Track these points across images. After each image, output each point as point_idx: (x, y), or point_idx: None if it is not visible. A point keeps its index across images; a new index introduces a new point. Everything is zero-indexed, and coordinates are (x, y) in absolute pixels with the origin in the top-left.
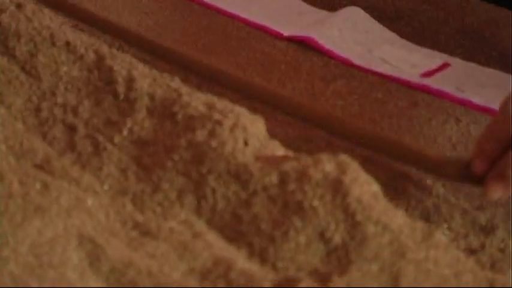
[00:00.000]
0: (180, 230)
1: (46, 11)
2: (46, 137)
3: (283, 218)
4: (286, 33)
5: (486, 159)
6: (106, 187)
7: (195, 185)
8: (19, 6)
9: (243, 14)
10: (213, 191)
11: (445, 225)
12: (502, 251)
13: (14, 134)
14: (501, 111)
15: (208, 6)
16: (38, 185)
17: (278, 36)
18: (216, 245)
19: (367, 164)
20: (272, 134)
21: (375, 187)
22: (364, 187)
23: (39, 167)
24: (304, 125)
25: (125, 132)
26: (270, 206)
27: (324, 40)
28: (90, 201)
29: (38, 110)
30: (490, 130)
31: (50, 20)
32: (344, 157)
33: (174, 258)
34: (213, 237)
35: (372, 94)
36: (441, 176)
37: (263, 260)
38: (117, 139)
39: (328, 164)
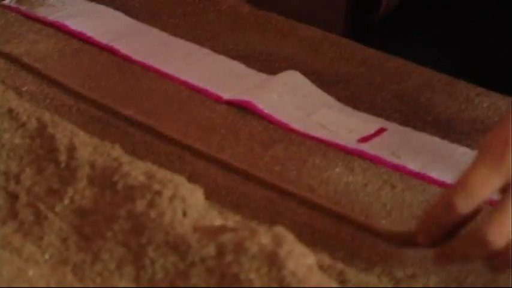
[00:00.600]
0: None
1: None
2: None
3: None
4: (225, 97)
5: (429, 237)
6: (47, 256)
7: (134, 255)
8: None
9: (184, 77)
10: (152, 261)
11: None
12: None
13: None
14: (444, 197)
15: (150, 69)
16: None
17: (218, 99)
18: None
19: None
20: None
21: (311, 259)
22: (299, 260)
23: None
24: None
25: (66, 201)
26: (208, 277)
27: (263, 104)
28: (31, 272)
29: None
30: (432, 215)
31: None
32: (280, 229)
33: None
34: None
35: (309, 159)
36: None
37: None
38: (58, 208)
39: (264, 236)
